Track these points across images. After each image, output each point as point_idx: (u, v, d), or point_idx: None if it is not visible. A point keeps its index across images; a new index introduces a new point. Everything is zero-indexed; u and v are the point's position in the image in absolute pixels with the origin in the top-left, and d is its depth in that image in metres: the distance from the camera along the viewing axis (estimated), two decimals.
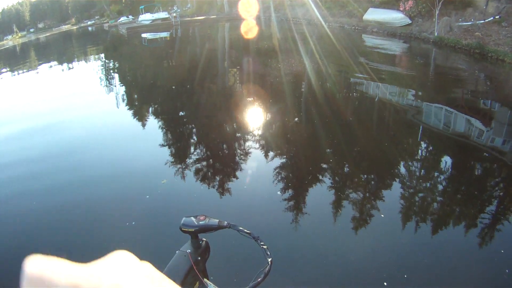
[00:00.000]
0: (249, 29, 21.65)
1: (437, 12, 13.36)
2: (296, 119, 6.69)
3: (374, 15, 17.22)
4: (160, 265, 1.05)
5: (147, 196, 4.08)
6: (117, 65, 16.13)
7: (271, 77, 9.98)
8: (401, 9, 15.84)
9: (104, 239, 3.34)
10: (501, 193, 4.15)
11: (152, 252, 2.98)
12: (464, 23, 13.01)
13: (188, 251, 1.11)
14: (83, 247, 3.26)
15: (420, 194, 4.10)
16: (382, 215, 3.55)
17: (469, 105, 7.09)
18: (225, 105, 7.95)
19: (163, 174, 4.63)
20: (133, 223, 3.54)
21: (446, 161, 5.04)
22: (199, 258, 1.12)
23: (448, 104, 6.85)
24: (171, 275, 1.05)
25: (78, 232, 3.56)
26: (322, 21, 19.51)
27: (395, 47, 14.46)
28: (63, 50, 28.23)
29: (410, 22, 15.32)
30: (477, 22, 12.71)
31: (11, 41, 56.68)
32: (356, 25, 18.35)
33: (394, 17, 15.97)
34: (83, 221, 3.75)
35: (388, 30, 16.11)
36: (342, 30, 18.40)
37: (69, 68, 17.15)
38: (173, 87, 10.13)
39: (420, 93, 8.00)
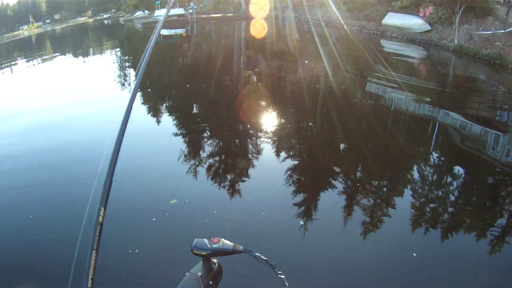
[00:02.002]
0: (264, 28, 21.72)
1: (457, 19, 13.32)
2: (322, 134, 6.50)
3: (394, 19, 17.19)
4: None
5: (154, 219, 3.86)
6: (131, 61, 15.69)
7: (293, 85, 10.00)
8: (421, 14, 15.79)
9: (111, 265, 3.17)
10: None
11: (160, 277, 2.90)
12: (485, 32, 12.98)
13: (199, 273, 1.05)
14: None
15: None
16: (414, 254, 3.30)
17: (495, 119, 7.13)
18: (243, 117, 7.43)
19: (173, 193, 4.33)
20: (136, 250, 3.36)
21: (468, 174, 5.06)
22: (211, 283, 1.05)
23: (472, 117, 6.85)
24: None
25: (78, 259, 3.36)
26: (344, 24, 19.51)
27: (416, 54, 14.33)
28: (79, 42, 28.66)
29: (429, 28, 15.26)
30: (498, 31, 12.69)
31: (27, 31, 57.45)
32: (375, 29, 18.35)
33: (413, 22, 15.93)
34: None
35: (407, 35, 16.08)
36: (362, 34, 18.33)
37: (84, 61, 17.40)
38: (188, 95, 9.79)
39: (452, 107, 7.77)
